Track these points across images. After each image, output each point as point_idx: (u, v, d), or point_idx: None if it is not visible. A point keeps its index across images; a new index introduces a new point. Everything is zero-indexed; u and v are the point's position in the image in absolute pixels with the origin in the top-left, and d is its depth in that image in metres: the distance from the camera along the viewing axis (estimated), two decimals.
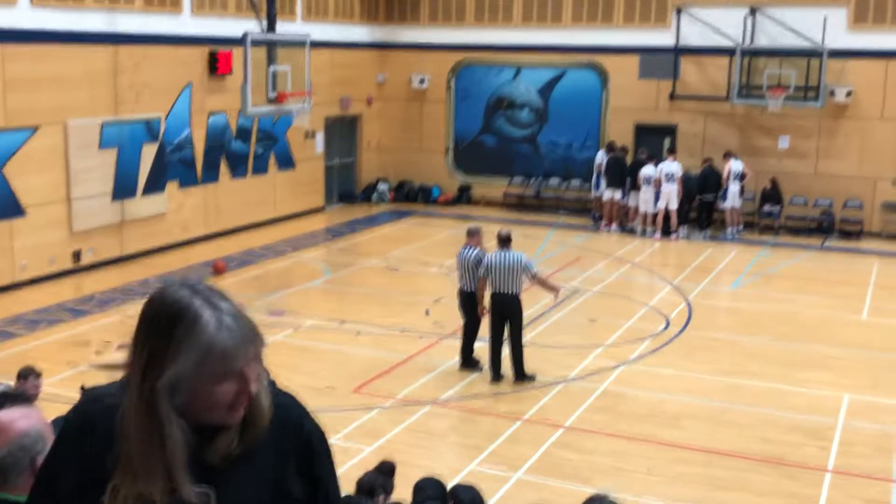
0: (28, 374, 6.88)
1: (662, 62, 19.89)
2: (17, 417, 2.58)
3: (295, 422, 2.04)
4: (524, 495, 7.53)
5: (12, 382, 6.99)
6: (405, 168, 22.53)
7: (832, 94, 18.60)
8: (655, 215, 18.36)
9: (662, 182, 18.01)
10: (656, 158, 18.53)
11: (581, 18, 20.49)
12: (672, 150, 18.62)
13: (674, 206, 18.10)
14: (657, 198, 18.21)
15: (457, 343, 10.91)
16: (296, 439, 2.04)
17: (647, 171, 18.20)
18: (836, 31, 18.49)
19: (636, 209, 18.74)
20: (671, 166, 18.06)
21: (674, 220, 18.25)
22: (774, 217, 18.97)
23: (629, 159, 19.16)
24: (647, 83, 20.18)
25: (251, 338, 1.90)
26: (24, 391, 6.50)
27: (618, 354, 11.27)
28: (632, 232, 18.77)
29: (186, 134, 16.72)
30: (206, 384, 1.85)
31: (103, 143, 14.77)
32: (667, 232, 18.28)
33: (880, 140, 18.69)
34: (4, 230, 13.40)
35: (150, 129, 15.71)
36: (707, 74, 19.82)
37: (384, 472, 5.28)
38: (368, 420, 9.13)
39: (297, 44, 15.50)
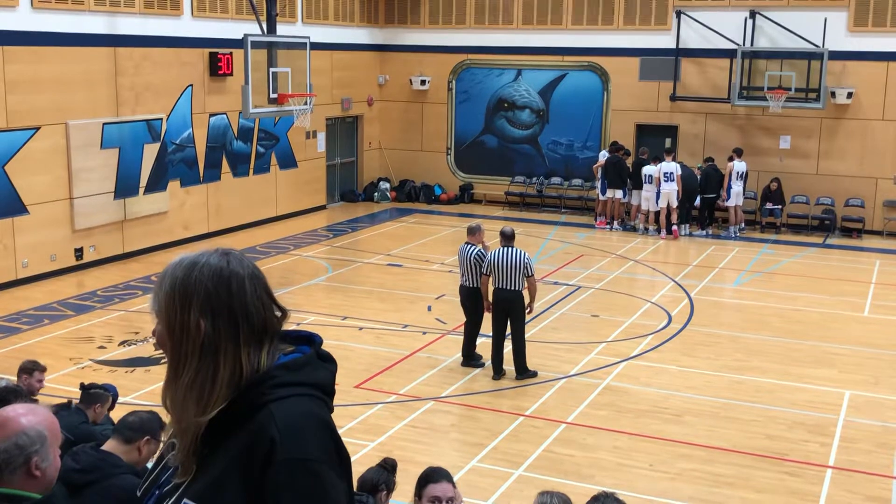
0: (32, 370, 6.88)
1: (663, 64, 19.93)
2: (21, 413, 2.58)
3: (264, 442, 1.81)
4: (526, 492, 7.52)
5: (13, 378, 6.99)
6: (406, 167, 22.59)
7: (833, 95, 18.62)
8: (658, 213, 18.43)
9: (661, 181, 18.07)
10: (657, 159, 18.57)
11: (581, 21, 20.53)
12: (670, 151, 18.67)
13: (674, 204, 18.15)
14: (658, 196, 18.28)
15: (459, 339, 10.94)
16: (261, 463, 1.81)
17: (649, 170, 18.27)
18: (837, 33, 18.52)
19: (638, 207, 18.82)
20: (669, 166, 18.13)
21: (674, 217, 18.30)
22: (776, 215, 19.01)
23: (630, 160, 19.27)
24: (647, 84, 20.22)
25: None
26: (29, 387, 6.52)
27: (620, 350, 11.28)
28: (633, 230, 18.83)
29: (188, 134, 16.76)
30: None
31: (105, 143, 14.81)
32: (668, 230, 18.32)
33: (881, 140, 18.72)
34: (6, 228, 13.42)
35: (151, 130, 15.75)
36: (707, 76, 19.85)
37: (387, 469, 5.27)
38: (370, 416, 9.14)
39: (298, 46, 15.52)
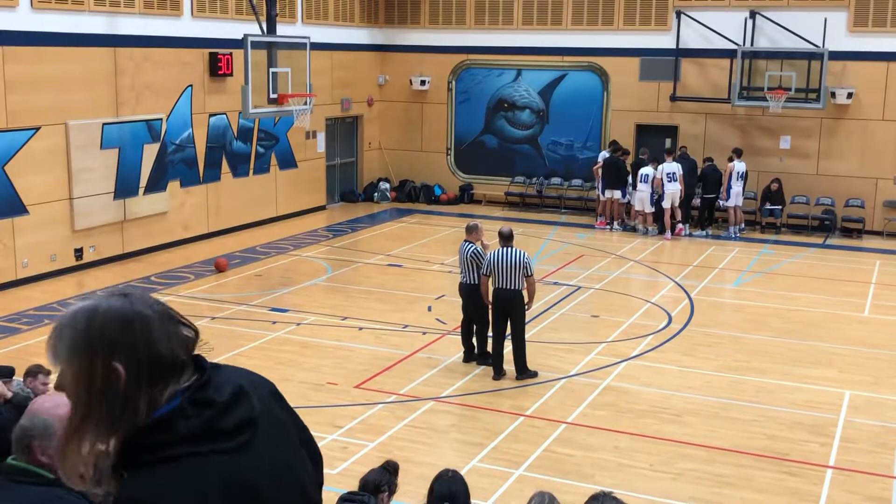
0: (37, 373, 6.91)
1: (663, 64, 19.92)
2: (41, 402, 2.77)
3: None
4: (526, 492, 7.50)
5: (19, 379, 7.03)
6: (406, 168, 22.58)
7: (833, 95, 18.62)
8: (656, 214, 18.43)
9: (664, 182, 18.07)
10: (656, 160, 18.53)
11: (581, 21, 20.52)
12: (671, 151, 18.66)
13: (677, 202, 18.15)
14: (653, 197, 18.26)
15: (459, 339, 10.94)
16: None
17: (645, 170, 18.28)
18: (837, 33, 18.52)
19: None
20: (671, 166, 18.12)
21: (677, 215, 18.30)
22: (776, 216, 19.01)
23: (630, 160, 19.30)
24: (647, 85, 20.21)
25: None
26: (34, 390, 6.58)
27: (620, 351, 11.28)
28: (634, 230, 18.83)
29: (188, 134, 16.76)
30: None
31: (104, 144, 14.80)
32: (673, 230, 18.31)
33: (881, 140, 18.71)
34: (7, 228, 13.42)
35: (151, 130, 15.75)
36: (708, 76, 19.84)
37: (389, 471, 5.30)
38: (370, 416, 9.13)
39: (298, 46, 15.52)
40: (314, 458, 2.08)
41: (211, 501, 1.78)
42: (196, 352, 1.91)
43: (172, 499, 1.76)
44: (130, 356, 1.79)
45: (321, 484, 2.10)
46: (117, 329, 1.80)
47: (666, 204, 18.18)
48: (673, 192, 18.03)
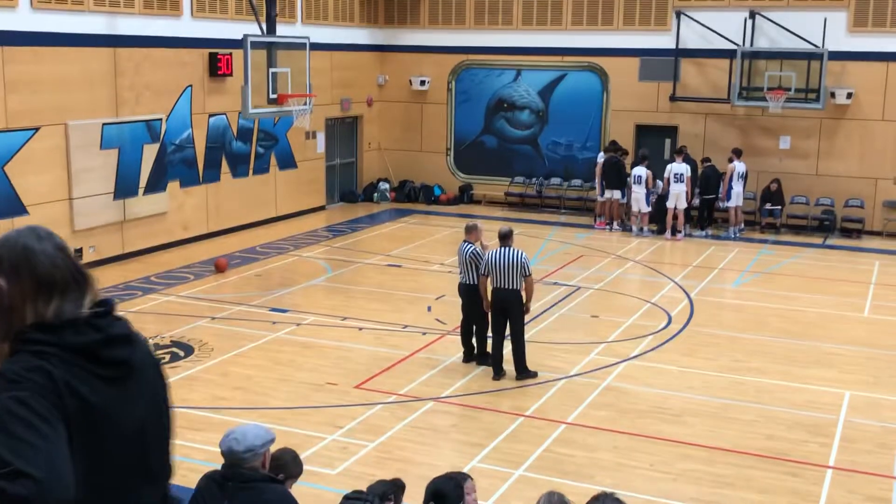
0: None
1: (662, 64, 19.93)
2: None
3: None
4: (526, 492, 7.51)
5: None
6: (406, 168, 22.59)
7: (833, 95, 18.63)
8: (658, 213, 18.42)
9: (671, 182, 18.08)
10: (645, 159, 18.52)
11: (581, 21, 20.53)
12: (679, 151, 18.64)
13: (682, 205, 18.15)
14: (649, 197, 18.25)
15: (458, 339, 10.94)
16: None
17: (637, 171, 18.29)
18: (836, 33, 18.52)
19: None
20: (680, 167, 18.11)
21: (681, 219, 18.29)
22: (776, 216, 19.02)
23: (630, 160, 19.31)
24: (647, 85, 20.21)
25: None
26: None
27: (620, 351, 11.28)
28: (631, 231, 18.83)
29: (187, 134, 16.76)
30: None
31: (104, 144, 14.80)
32: (673, 231, 18.30)
33: (881, 140, 18.72)
34: (6, 228, 13.35)
35: (150, 130, 15.75)
36: (707, 76, 19.85)
37: (397, 487, 5.36)
38: (370, 416, 9.12)
39: (298, 46, 15.51)
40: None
41: (66, 402, 2.04)
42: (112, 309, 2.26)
43: (32, 377, 2.03)
44: (12, 273, 2.15)
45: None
46: (4, 252, 2.18)
47: (670, 204, 18.18)
48: (678, 192, 18.03)
